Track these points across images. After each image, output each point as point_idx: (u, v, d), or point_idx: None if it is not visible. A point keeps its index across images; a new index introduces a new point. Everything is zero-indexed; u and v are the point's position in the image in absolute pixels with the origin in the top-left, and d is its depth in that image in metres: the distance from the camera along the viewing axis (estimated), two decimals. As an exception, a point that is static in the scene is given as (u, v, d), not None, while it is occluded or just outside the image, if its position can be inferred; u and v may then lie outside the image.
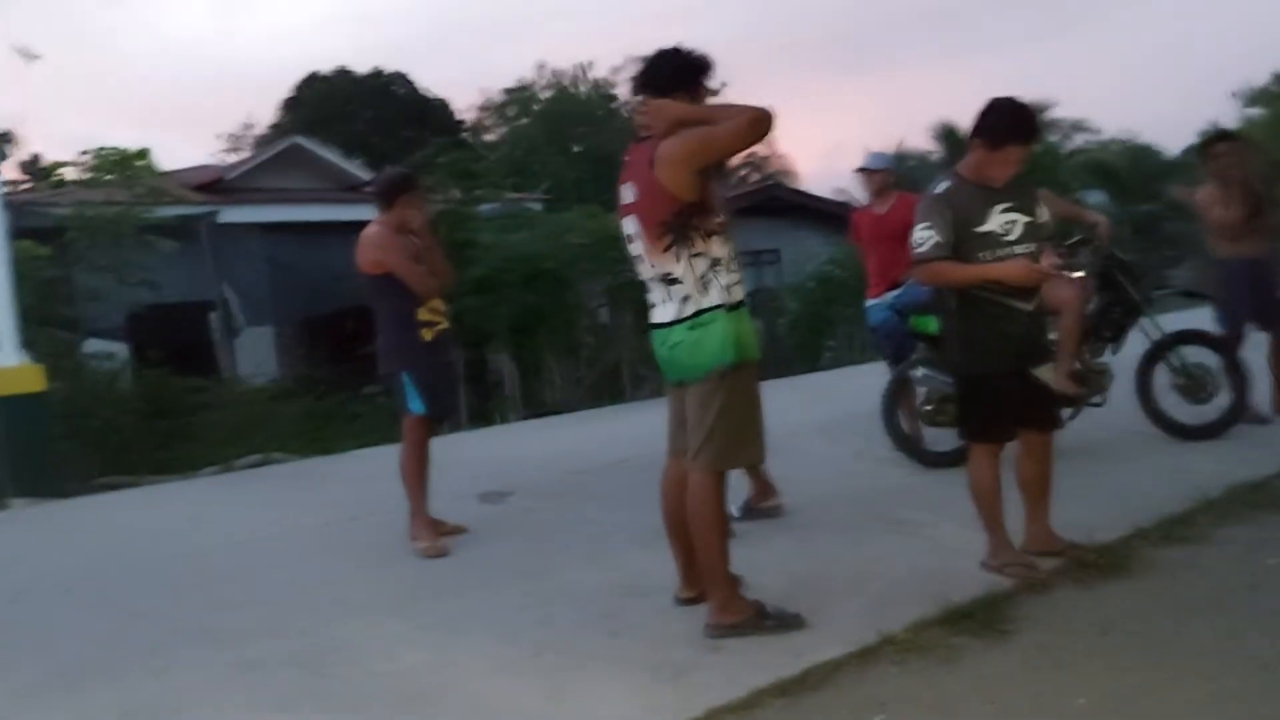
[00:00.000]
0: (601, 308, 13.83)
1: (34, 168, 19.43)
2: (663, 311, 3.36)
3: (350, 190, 15.72)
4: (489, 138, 36.29)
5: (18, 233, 9.44)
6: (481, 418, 11.45)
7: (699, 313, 3.26)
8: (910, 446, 5.88)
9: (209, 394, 10.90)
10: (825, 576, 3.82)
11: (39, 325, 9.75)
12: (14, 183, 16.73)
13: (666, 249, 3.26)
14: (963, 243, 3.69)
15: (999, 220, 3.71)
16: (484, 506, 5.86)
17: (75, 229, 10.79)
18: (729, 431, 3.29)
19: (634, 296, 11.32)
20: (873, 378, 5.42)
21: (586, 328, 13.55)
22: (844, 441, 6.26)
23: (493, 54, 60.04)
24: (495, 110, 37.58)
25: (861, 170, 6.26)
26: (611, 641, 3.42)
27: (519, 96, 37.06)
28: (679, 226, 3.23)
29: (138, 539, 6.20)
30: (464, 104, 37.07)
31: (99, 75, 56.21)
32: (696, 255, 3.25)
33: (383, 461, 8.11)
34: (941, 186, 3.82)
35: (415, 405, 4.92)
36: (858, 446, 6.30)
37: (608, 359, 13.12)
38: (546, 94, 37.02)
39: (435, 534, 4.85)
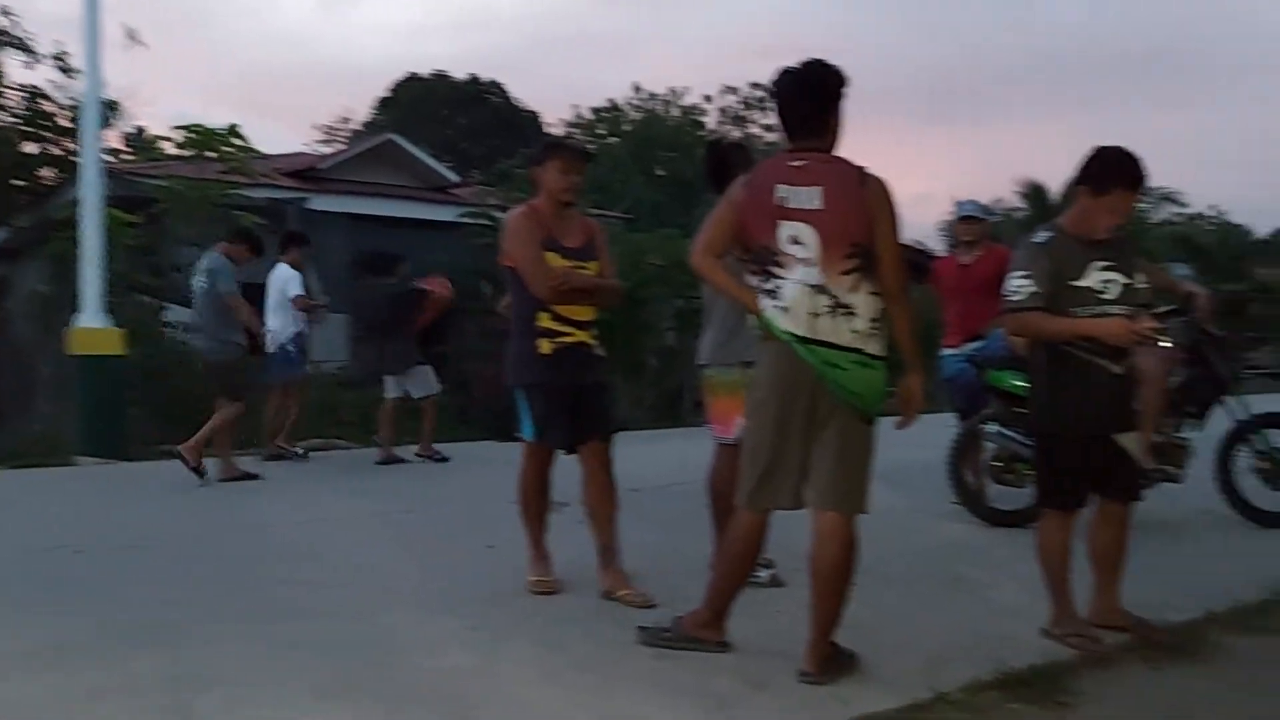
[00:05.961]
0: (669, 330, 13.82)
1: (137, 140, 20.08)
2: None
3: (438, 190, 15.92)
4: (574, 153, 36.56)
5: (113, 201, 9.74)
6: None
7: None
8: (974, 502, 5.76)
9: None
10: (878, 629, 3.69)
11: (126, 292, 10.02)
12: (116, 152, 17.30)
13: (848, 272, 3.19)
14: (1057, 296, 3.60)
15: (1097, 277, 3.61)
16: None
17: (165, 200, 11.06)
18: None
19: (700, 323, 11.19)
20: (935, 429, 5.29)
21: (652, 349, 13.55)
22: (904, 492, 6.13)
23: (589, 71, 60.96)
24: (585, 127, 37.96)
25: (965, 218, 6.17)
26: (657, 664, 3.37)
27: (609, 115, 37.37)
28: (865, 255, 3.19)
29: (197, 506, 6.32)
30: (555, 118, 37.51)
31: (205, 57, 58.01)
32: (873, 294, 3.22)
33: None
34: (1042, 236, 3.73)
35: (525, 429, 4.20)
36: (918, 498, 6.17)
37: (670, 382, 13.09)
38: (636, 116, 37.30)
39: (544, 569, 4.31)
